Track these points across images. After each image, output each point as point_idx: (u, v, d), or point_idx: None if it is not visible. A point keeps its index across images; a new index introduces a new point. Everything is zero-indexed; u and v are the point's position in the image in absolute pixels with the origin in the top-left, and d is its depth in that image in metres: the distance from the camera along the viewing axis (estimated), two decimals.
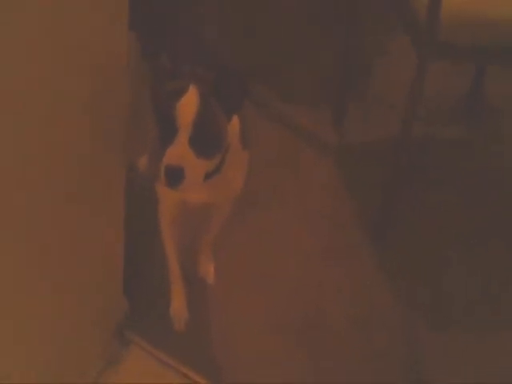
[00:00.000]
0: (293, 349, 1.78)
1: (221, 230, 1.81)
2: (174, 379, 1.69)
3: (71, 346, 1.54)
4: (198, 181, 1.38)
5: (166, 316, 1.78)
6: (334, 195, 2.16)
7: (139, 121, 1.87)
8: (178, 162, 1.34)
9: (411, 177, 2.15)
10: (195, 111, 1.34)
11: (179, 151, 1.34)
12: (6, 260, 1.21)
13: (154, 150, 1.46)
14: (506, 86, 2.45)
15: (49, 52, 1.14)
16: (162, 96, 1.40)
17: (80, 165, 1.34)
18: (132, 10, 1.34)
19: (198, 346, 1.75)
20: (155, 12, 1.69)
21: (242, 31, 2.51)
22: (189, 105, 1.35)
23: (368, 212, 2.10)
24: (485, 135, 2.41)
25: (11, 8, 1.02)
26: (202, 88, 1.37)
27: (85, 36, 1.22)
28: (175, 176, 1.34)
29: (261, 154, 2.04)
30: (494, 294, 1.94)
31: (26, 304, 1.31)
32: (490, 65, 2.34)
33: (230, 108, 1.40)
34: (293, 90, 2.47)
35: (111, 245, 1.61)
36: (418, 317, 1.88)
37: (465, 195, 2.19)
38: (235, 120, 1.46)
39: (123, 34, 1.35)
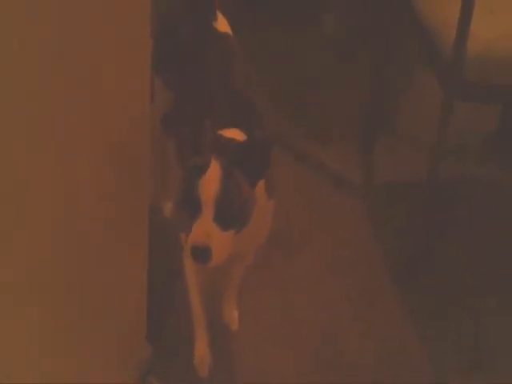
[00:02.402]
0: None
1: (245, 276, 1.79)
2: None
3: None
4: (226, 253, 1.37)
5: (189, 362, 1.76)
6: (362, 237, 2.12)
7: (165, 164, 1.88)
8: (204, 243, 1.33)
9: (441, 217, 2.10)
10: (218, 188, 1.33)
11: (204, 230, 1.33)
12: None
13: (179, 199, 1.45)
14: None
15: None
16: (184, 172, 1.39)
17: (103, 209, 1.33)
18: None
19: None
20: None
21: (265, 70, 2.50)
22: (211, 182, 1.34)
23: (398, 254, 2.06)
24: None
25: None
26: (224, 161, 1.35)
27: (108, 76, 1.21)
28: (202, 254, 1.34)
29: (286, 195, 2.03)
30: None
31: (52, 351, 1.31)
32: None
33: (255, 175, 1.38)
34: (317, 129, 2.45)
35: (135, 290, 1.60)
36: (448, 361, 1.84)
37: (496, 237, 2.14)
38: None
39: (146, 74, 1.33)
